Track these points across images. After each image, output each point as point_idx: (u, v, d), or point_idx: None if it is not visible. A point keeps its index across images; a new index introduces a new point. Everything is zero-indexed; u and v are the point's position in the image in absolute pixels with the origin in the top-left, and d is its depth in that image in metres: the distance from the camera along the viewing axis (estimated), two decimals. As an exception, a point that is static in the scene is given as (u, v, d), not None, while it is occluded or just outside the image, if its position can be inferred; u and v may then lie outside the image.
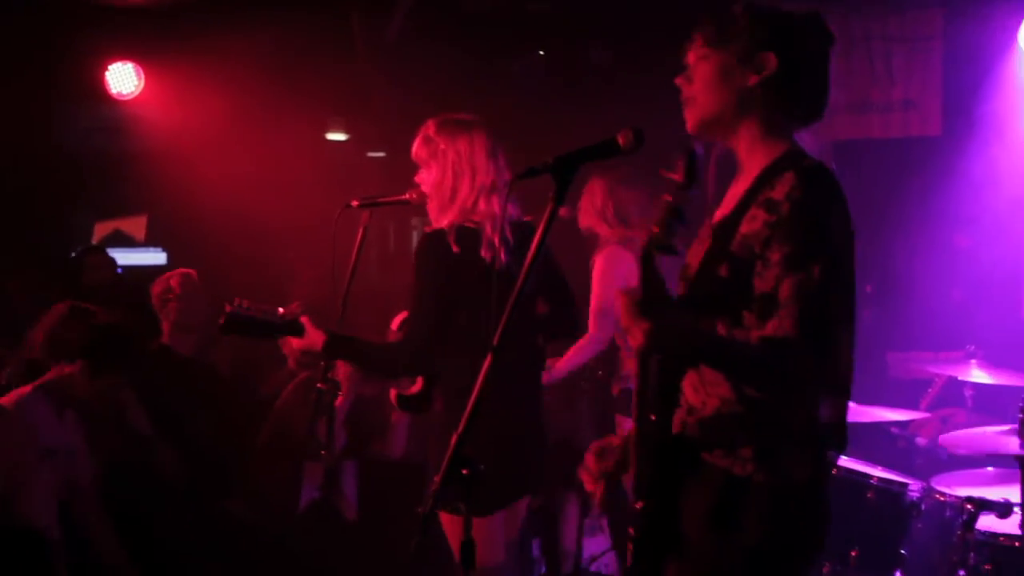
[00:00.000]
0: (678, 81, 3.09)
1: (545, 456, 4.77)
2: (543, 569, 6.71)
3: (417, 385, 4.68)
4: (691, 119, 3.08)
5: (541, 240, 2.96)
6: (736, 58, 2.99)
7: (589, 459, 3.18)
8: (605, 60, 8.62)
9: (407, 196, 4.67)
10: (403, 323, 4.67)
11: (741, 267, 2.86)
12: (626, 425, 5.89)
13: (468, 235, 4.38)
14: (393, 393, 4.77)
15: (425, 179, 4.55)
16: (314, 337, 4.46)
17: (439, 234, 4.40)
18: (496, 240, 4.38)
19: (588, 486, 3.20)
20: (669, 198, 2.81)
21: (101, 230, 12.66)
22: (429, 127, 4.55)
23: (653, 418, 2.98)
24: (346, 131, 10.73)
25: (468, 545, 3.04)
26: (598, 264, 6.24)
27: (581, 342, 6.05)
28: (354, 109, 10.05)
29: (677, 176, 2.82)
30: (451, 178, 4.46)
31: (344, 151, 10.99)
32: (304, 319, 4.51)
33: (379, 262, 11.64)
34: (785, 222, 2.80)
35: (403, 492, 6.22)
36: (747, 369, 2.89)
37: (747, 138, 3.04)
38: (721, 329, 2.91)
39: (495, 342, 2.93)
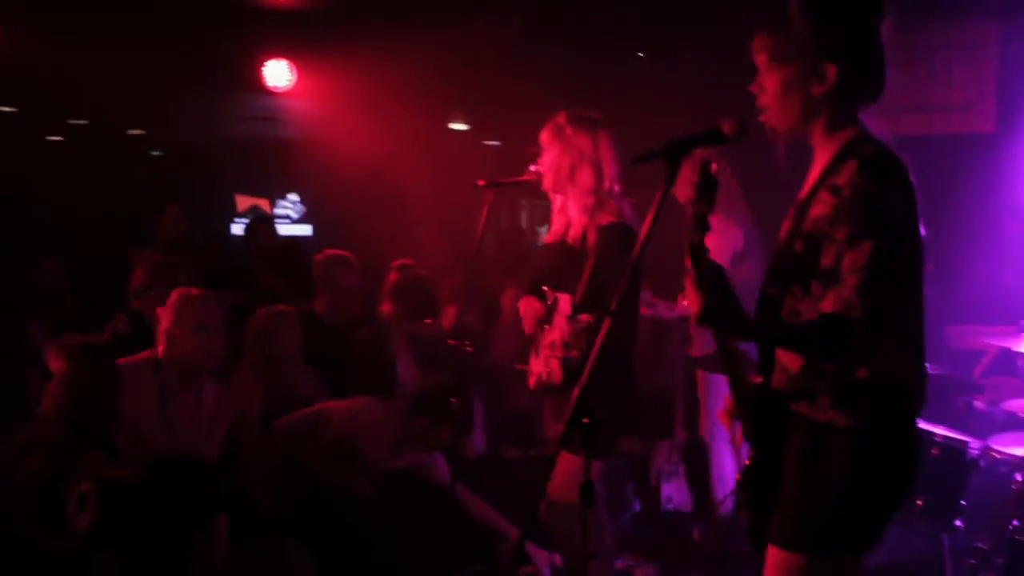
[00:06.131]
0: (752, 89, 2.98)
1: (640, 408, 4.65)
2: (637, 507, 6.58)
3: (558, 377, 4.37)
4: (769, 125, 2.98)
5: (655, 217, 2.85)
6: (799, 73, 2.88)
7: (728, 402, 3.13)
8: (695, 59, 8.38)
9: (527, 177, 4.50)
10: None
11: (812, 244, 2.81)
12: (713, 380, 5.81)
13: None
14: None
15: (544, 161, 4.40)
16: None
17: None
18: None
19: (726, 427, 3.22)
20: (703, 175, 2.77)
21: (241, 204, 12.70)
22: (560, 117, 4.42)
23: (759, 380, 2.99)
24: (466, 121, 10.76)
25: (588, 485, 2.99)
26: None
27: None
28: (474, 102, 9.96)
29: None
30: (568, 162, 4.33)
31: (464, 139, 11.01)
32: None
33: (492, 235, 11.47)
34: (847, 205, 2.73)
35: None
36: (798, 345, 2.88)
37: (817, 132, 2.94)
38: (794, 299, 2.87)
39: (612, 307, 2.98)
